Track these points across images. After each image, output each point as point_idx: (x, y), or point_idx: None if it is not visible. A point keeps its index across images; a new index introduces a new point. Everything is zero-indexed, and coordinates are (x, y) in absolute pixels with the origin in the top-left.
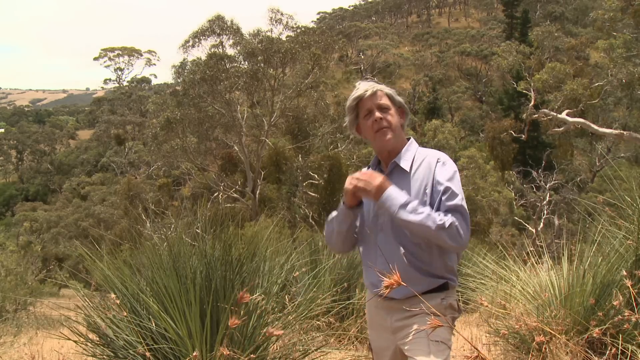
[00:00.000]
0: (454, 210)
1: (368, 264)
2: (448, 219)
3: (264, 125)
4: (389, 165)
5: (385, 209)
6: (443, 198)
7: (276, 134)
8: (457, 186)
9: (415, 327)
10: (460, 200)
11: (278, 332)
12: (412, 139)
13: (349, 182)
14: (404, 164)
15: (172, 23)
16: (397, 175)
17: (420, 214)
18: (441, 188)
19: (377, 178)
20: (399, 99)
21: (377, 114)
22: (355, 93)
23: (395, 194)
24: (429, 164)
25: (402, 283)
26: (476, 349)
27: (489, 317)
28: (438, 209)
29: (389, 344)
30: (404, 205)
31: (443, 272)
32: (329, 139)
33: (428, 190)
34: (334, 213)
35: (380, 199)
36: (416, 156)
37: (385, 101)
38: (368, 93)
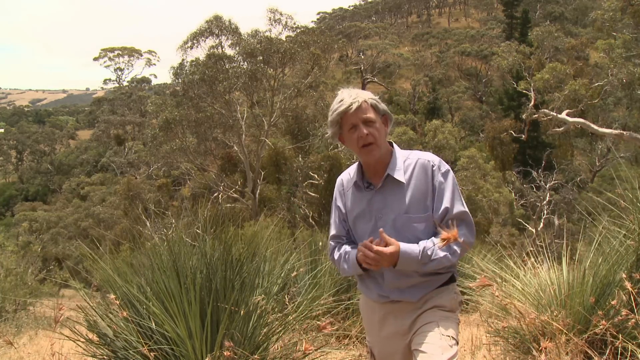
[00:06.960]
0: (459, 219)
1: (374, 274)
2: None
3: (263, 125)
4: (382, 178)
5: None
6: (447, 212)
7: (276, 134)
8: (457, 193)
9: (426, 320)
10: (461, 206)
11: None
12: (394, 144)
13: (363, 261)
14: (398, 175)
15: (172, 23)
16: (391, 186)
17: (437, 257)
18: (443, 203)
19: (385, 255)
20: (383, 106)
21: (363, 130)
22: (340, 107)
23: (406, 256)
24: (424, 170)
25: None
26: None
27: (489, 317)
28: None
29: (398, 347)
30: (420, 262)
31: None
32: (329, 139)
33: (429, 202)
34: (345, 266)
35: (397, 267)
36: (406, 163)
37: (370, 114)
38: (353, 107)
